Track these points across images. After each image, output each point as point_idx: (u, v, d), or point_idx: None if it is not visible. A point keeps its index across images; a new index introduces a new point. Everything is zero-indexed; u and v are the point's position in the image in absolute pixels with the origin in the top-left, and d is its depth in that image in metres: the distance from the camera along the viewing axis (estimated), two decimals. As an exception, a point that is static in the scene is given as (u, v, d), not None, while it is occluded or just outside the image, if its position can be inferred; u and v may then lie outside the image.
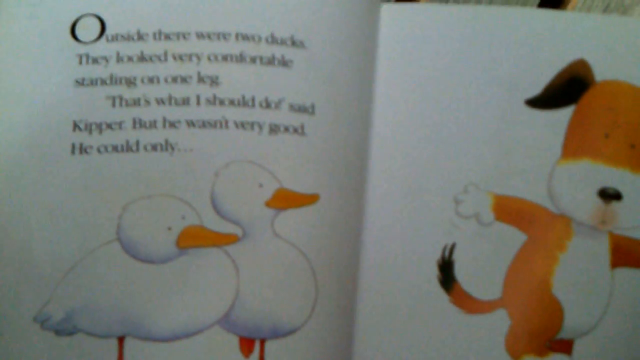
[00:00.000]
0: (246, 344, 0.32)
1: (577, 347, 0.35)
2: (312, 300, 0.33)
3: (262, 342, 0.33)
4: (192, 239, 0.32)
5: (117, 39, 0.34)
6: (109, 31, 0.34)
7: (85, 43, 0.34)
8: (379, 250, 0.35)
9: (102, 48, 0.34)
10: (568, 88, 0.36)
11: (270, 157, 0.33)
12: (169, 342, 0.32)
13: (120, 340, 0.32)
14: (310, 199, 0.34)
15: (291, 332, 0.33)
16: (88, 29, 0.34)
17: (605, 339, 0.35)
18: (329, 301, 0.33)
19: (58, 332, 0.32)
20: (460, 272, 0.35)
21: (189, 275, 0.32)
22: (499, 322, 0.35)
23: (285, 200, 0.33)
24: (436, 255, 0.35)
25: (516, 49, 0.36)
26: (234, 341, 0.32)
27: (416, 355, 0.34)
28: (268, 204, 0.33)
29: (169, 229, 0.32)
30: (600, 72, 0.36)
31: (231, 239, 0.33)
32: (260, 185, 0.33)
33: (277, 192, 0.33)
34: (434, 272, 0.35)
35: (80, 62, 0.34)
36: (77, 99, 0.33)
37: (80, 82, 0.34)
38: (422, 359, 0.34)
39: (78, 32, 0.34)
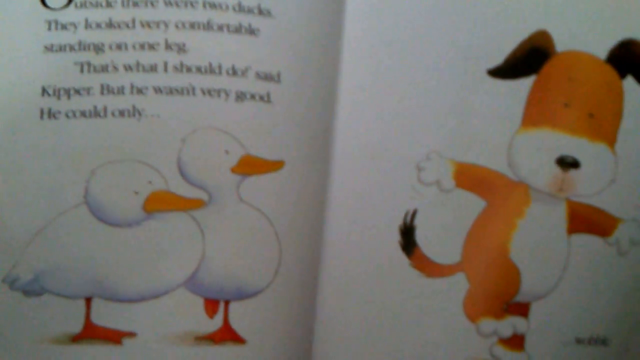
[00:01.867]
0: (211, 305, 0.33)
1: (534, 310, 0.36)
2: (275, 264, 0.34)
3: (227, 303, 0.33)
4: (159, 203, 0.33)
5: (85, 6, 0.34)
6: None
7: (54, 9, 0.34)
8: (343, 215, 0.35)
9: (70, 14, 0.34)
10: (529, 58, 0.36)
11: (236, 124, 0.34)
12: (135, 303, 0.33)
13: (88, 300, 0.33)
14: (275, 166, 0.34)
15: (255, 293, 0.34)
16: (57, -4, 0.35)
17: (560, 302, 0.36)
18: (292, 264, 0.34)
19: (26, 293, 0.32)
20: (421, 237, 0.36)
21: (156, 238, 0.33)
22: (458, 286, 0.36)
23: (250, 166, 0.34)
24: (398, 221, 0.36)
25: (478, 19, 0.36)
26: (199, 302, 0.33)
27: (377, 317, 0.35)
28: (234, 170, 0.34)
29: (136, 193, 0.33)
30: (561, 43, 0.37)
31: (197, 204, 0.33)
32: (226, 152, 0.34)
33: (243, 159, 0.34)
34: (395, 237, 0.36)
35: (49, 28, 0.34)
36: (46, 65, 0.34)
37: (49, 48, 0.34)
38: (383, 321, 0.35)
39: (47, -2, 0.35)
